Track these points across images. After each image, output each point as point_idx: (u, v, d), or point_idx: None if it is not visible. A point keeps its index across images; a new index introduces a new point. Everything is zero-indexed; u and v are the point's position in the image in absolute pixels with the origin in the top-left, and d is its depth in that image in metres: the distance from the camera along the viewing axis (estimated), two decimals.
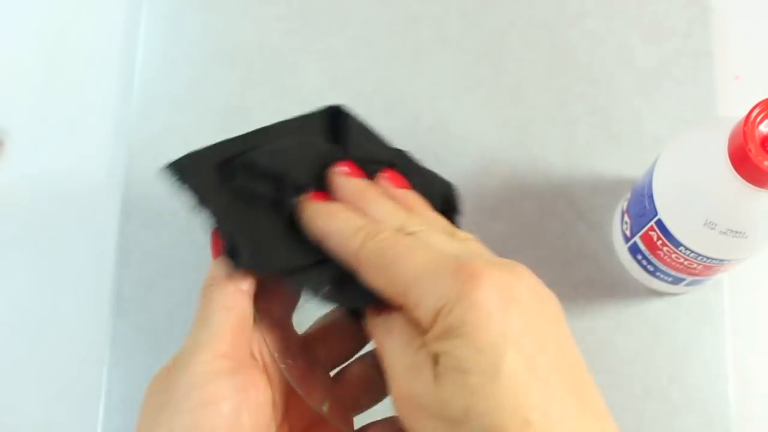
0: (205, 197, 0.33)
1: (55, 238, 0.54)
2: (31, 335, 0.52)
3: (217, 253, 0.35)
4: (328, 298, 0.33)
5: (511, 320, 0.28)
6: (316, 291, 0.33)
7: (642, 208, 0.45)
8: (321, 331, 0.38)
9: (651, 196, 0.44)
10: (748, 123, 0.36)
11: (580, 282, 0.52)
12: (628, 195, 0.49)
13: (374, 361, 0.37)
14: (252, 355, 0.34)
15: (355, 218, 0.33)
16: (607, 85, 0.55)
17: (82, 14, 0.58)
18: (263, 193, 0.34)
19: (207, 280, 0.34)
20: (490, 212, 0.53)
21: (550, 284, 0.51)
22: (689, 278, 0.47)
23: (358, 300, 0.33)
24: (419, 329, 0.30)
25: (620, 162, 0.54)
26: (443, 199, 0.38)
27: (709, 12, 0.57)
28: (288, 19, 0.57)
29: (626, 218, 0.48)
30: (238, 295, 0.34)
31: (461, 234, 0.34)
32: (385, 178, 0.36)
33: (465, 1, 0.57)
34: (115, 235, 0.52)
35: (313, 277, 0.33)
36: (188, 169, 0.34)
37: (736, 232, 0.40)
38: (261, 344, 0.35)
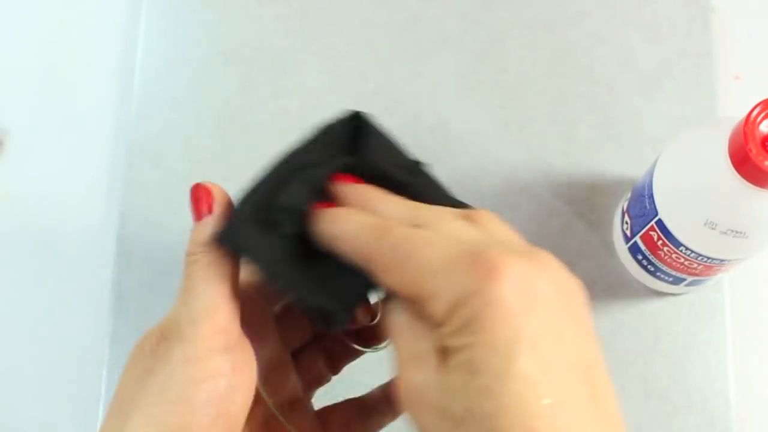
0: (259, 259, 0.32)
1: (55, 238, 0.54)
2: (30, 335, 0.52)
3: (199, 216, 0.33)
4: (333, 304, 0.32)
5: (529, 318, 0.27)
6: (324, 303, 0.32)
7: (642, 208, 0.45)
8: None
9: (651, 196, 0.44)
10: (749, 123, 0.36)
11: (580, 282, 0.52)
12: (629, 195, 0.49)
13: (357, 407, 0.37)
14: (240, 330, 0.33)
15: (365, 217, 0.32)
16: (607, 85, 0.55)
17: (81, 14, 0.58)
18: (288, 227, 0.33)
19: (192, 246, 0.33)
20: None
21: None
22: (689, 278, 0.47)
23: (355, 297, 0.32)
24: (432, 322, 0.28)
25: (620, 162, 0.54)
26: None
27: (709, 12, 0.57)
28: (288, 19, 0.57)
29: (626, 218, 0.48)
30: (230, 264, 0.32)
31: (478, 215, 0.31)
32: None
33: (465, 1, 0.57)
34: (115, 235, 0.52)
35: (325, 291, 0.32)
36: (238, 239, 0.33)
37: (737, 232, 0.40)
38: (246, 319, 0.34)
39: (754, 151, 0.36)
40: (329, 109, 0.56)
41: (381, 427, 0.38)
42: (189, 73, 0.56)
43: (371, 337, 0.37)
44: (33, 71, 0.57)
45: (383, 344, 0.37)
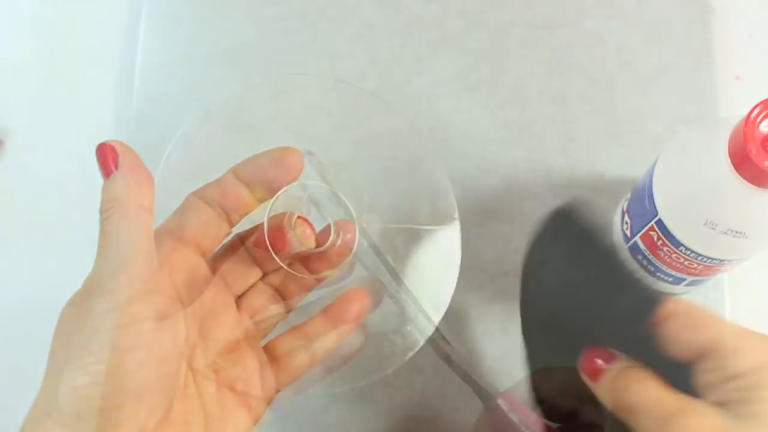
0: None
1: (55, 238, 0.54)
2: (31, 335, 0.52)
3: (107, 173, 0.33)
4: None
5: None
6: None
7: (642, 208, 0.45)
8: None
9: (651, 196, 0.44)
10: (749, 123, 0.36)
11: None
12: (629, 195, 0.49)
13: (300, 333, 0.38)
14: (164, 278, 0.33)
15: None
16: (607, 85, 0.55)
17: (81, 14, 0.58)
18: None
19: (103, 203, 0.33)
20: (490, 212, 0.53)
21: None
22: (690, 278, 0.47)
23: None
24: (720, 376, 0.31)
25: (620, 162, 0.54)
26: None
27: (709, 12, 0.57)
28: (288, 19, 0.57)
29: (626, 218, 0.48)
30: (143, 214, 0.33)
31: None
32: None
33: (465, 1, 0.57)
34: None
35: None
36: None
37: (737, 232, 0.40)
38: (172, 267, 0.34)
39: (754, 151, 0.36)
40: (329, 110, 0.56)
41: (326, 351, 0.38)
42: (189, 73, 0.56)
43: (316, 266, 0.39)
44: (33, 71, 0.57)
45: (327, 272, 0.39)
